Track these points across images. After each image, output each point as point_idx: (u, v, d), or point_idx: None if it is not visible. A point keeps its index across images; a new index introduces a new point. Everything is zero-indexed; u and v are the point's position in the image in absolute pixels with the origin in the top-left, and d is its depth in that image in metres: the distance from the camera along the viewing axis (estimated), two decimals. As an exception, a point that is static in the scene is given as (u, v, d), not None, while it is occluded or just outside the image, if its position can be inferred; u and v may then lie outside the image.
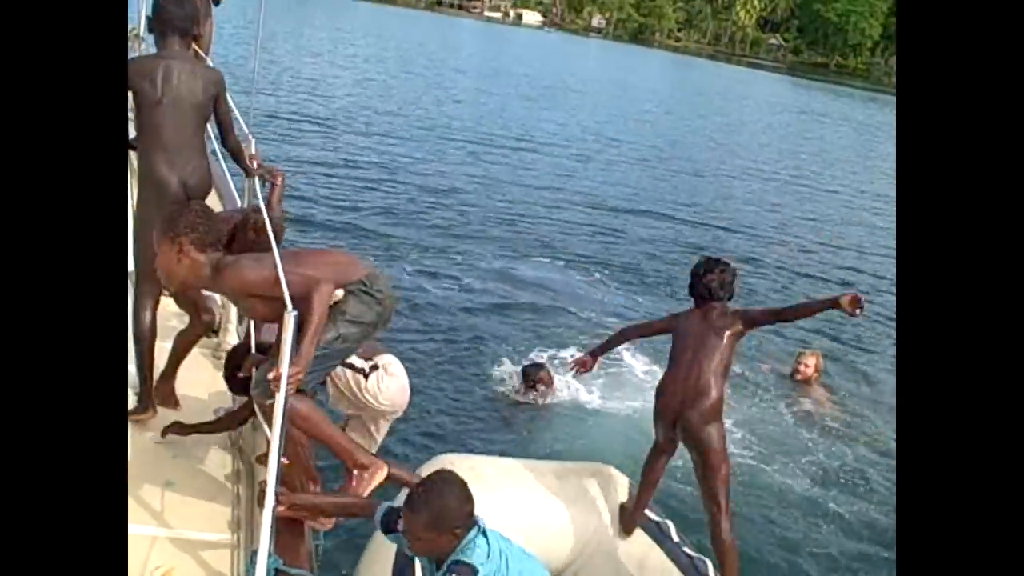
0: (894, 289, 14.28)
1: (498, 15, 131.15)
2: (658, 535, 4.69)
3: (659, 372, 5.11)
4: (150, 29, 4.61)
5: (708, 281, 4.72)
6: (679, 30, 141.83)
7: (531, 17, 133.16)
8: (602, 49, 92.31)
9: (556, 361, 8.59)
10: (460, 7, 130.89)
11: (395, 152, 18.30)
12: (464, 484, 3.37)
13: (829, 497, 7.12)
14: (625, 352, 8.94)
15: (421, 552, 3.47)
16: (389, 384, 4.25)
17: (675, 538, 4.69)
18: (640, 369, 8.77)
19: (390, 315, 3.71)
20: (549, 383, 7.81)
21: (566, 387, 8.08)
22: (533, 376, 7.80)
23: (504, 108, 29.18)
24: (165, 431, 4.07)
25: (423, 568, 3.62)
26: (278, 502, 3.21)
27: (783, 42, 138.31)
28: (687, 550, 4.62)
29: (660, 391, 4.73)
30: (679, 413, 4.56)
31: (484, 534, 3.38)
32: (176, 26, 4.28)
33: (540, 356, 8.74)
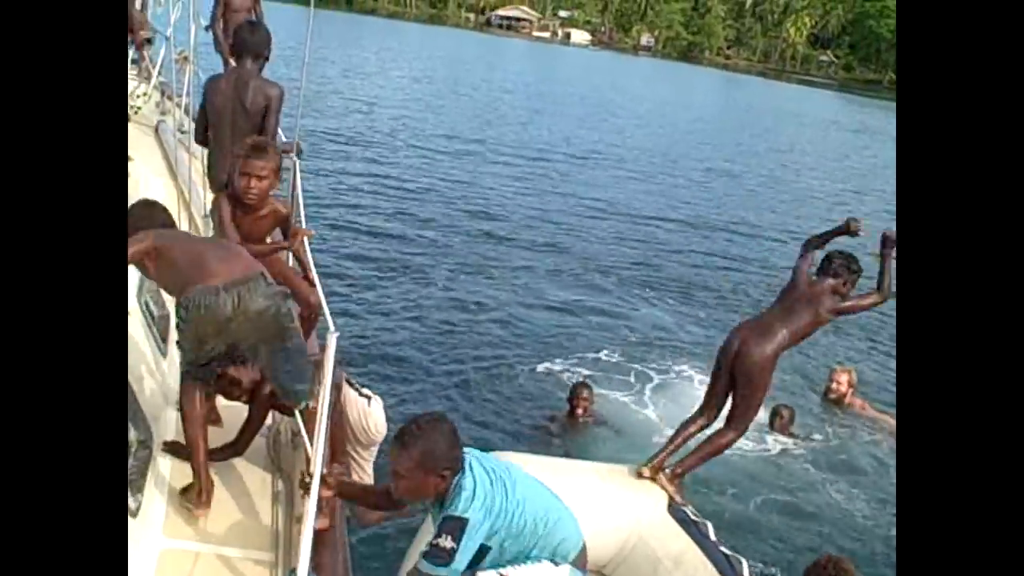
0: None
1: (547, 35, 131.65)
2: (696, 535, 4.78)
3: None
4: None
5: (837, 264, 5.26)
6: (729, 48, 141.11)
7: (580, 36, 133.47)
8: (651, 67, 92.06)
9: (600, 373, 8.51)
10: (509, 27, 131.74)
11: (442, 171, 18.35)
12: (455, 429, 3.35)
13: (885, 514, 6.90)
14: (680, 366, 9.08)
15: (406, 494, 3.40)
16: (380, 415, 4.33)
17: (712, 537, 4.77)
18: (694, 384, 8.64)
19: (214, 335, 3.26)
20: (590, 402, 7.69)
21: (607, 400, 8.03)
22: (578, 394, 7.69)
23: (553, 127, 29.17)
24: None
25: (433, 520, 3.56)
26: (324, 483, 3.17)
27: (834, 59, 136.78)
28: (724, 549, 4.70)
29: (738, 326, 5.41)
30: (743, 347, 5.15)
31: (470, 471, 3.33)
32: (249, 48, 5.12)
33: (580, 370, 8.65)
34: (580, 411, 7.55)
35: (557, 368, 8.88)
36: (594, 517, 4.71)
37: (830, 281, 5.24)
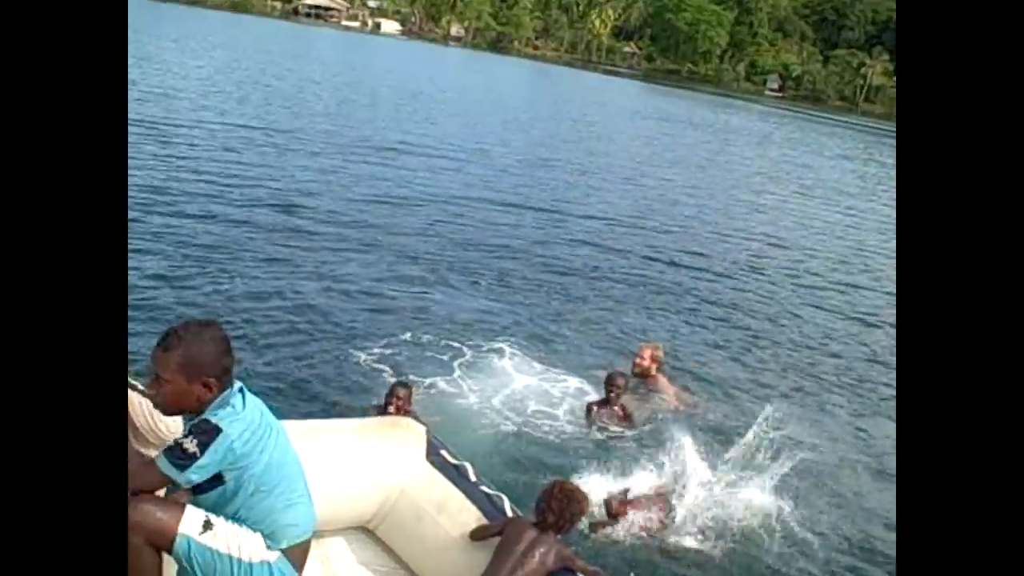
0: (731, 272, 14.72)
1: (356, 24, 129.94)
2: (456, 478, 4.79)
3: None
4: None
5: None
6: (537, 39, 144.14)
7: (390, 26, 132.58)
8: (462, 57, 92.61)
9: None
10: (317, 16, 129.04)
11: (245, 163, 17.62)
12: (226, 337, 3.19)
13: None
14: (493, 343, 9.00)
15: (169, 407, 3.18)
16: None
17: (473, 478, 4.80)
18: (505, 357, 8.69)
19: None
20: (407, 401, 7.55)
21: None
22: (395, 393, 7.52)
23: (363, 118, 28.78)
24: None
25: None
26: None
27: (637, 50, 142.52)
28: (485, 488, 4.73)
29: None
30: None
31: (242, 396, 3.17)
32: None
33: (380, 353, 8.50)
34: (393, 411, 7.39)
35: (368, 355, 8.68)
36: (353, 474, 4.73)
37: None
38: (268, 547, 3.28)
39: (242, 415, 3.10)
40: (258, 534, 3.25)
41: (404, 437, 5.00)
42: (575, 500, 4.54)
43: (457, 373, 8.60)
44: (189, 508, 3.16)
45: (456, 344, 9.29)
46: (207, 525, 3.14)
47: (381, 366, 8.48)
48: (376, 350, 8.86)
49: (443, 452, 4.98)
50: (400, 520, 4.76)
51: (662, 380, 8.94)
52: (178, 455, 3.01)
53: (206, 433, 2.99)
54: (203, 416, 3.06)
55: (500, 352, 9.28)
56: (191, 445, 2.98)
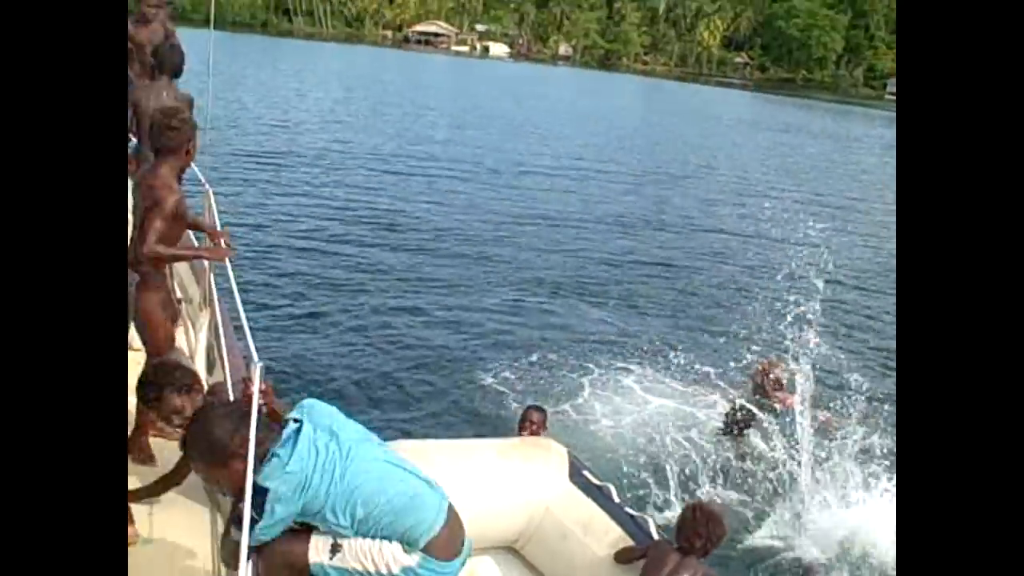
0: (852, 290, 14.24)
1: (465, 49, 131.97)
2: (601, 499, 4.82)
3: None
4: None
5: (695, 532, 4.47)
6: (646, 54, 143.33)
7: (498, 49, 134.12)
8: (571, 77, 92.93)
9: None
10: (427, 43, 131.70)
11: (368, 190, 18.16)
12: (231, 413, 3.17)
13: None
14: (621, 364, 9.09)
15: (232, 492, 3.21)
16: None
17: (616, 499, 4.83)
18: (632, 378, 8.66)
19: None
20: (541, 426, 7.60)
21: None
22: (528, 417, 7.59)
23: (477, 142, 29.19)
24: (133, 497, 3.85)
25: None
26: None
27: (749, 60, 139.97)
28: (629, 510, 4.76)
29: None
30: None
31: (291, 442, 3.14)
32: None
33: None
34: (527, 435, 7.44)
35: (498, 379, 8.80)
36: (499, 493, 4.82)
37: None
38: (407, 551, 3.25)
39: (290, 462, 3.07)
40: (395, 543, 3.24)
41: (547, 458, 5.07)
42: (716, 522, 4.50)
43: (587, 395, 8.63)
44: (314, 536, 3.21)
45: (584, 365, 9.33)
46: (335, 548, 3.19)
47: (508, 389, 8.58)
48: (504, 373, 8.97)
49: (586, 473, 5.03)
50: (545, 539, 4.83)
51: (788, 397, 8.75)
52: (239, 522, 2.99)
53: (256, 495, 2.99)
54: (255, 483, 3.03)
55: (628, 372, 9.27)
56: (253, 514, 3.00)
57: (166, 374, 3.66)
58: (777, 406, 8.66)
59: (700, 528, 4.43)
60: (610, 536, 4.60)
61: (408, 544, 3.26)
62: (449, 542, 3.36)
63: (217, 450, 3.06)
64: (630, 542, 4.53)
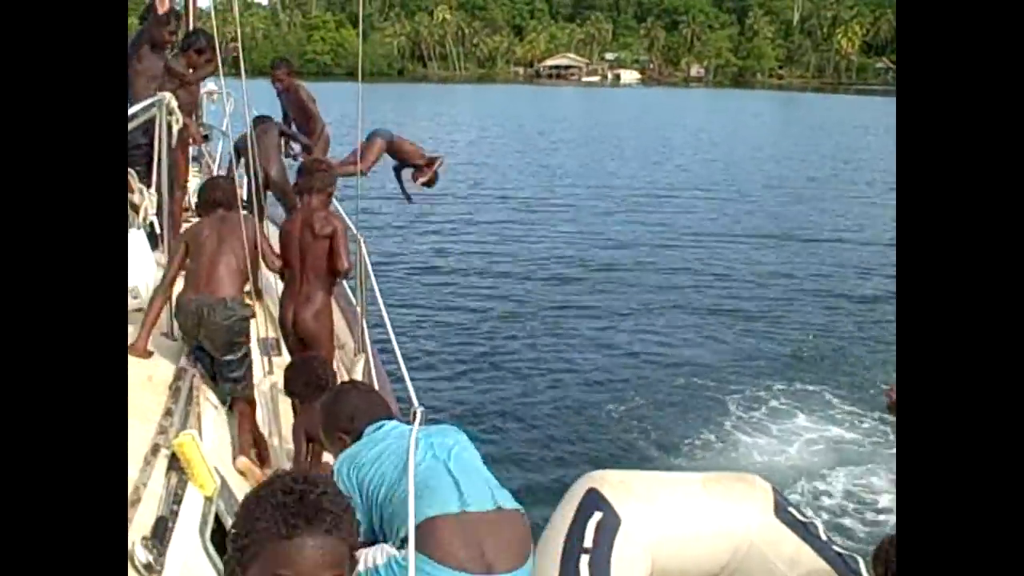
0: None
1: (596, 79, 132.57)
2: (807, 535, 4.70)
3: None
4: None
5: None
6: (780, 67, 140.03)
7: (629, 76, 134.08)
8: (705, 98, 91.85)
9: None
10: (559, 76, 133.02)
11: (511, 229, 18.47)
12: (373, 399, 3.29)
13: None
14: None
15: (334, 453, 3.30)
16: None
17: (823, 537, 4.69)
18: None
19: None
20: None
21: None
22: None
23: (616, 171, 29.22)
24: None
25: None
26: None
27: (891, 64, 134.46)
28: (836, 548, 4.63)
29: None
30: None
31: (373, 436, 3.12)
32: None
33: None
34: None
35: (625, 408, 8.73)
36: (701, 527, 4.77)
37: None
38: (399, 546, 2.83)
39: (352, 451, 3.12)
40: (389, 544, 2.92)
41: (751, 492, 4.99)
42: None
43: (730, 425, 8.44)
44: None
45: (723, 396, 9.12)
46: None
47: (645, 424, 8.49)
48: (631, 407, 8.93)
49: (791, 509, 4.94)
50: (750, 575, 4.80)
51: None
52: None
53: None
54: None
55: (774, 397, 9.02)
56: None
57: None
58: None
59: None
60: (817, 573, 4.50)
61: (401, 539, 2.80)
62: (457, 545, 2.80)
63: (334, 417, 3.25)
64: None
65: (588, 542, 4.38)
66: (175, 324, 4.80)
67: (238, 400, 4.48)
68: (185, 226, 5.86)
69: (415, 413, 3.12)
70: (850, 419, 8.58)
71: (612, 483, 4.73)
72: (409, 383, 3.53)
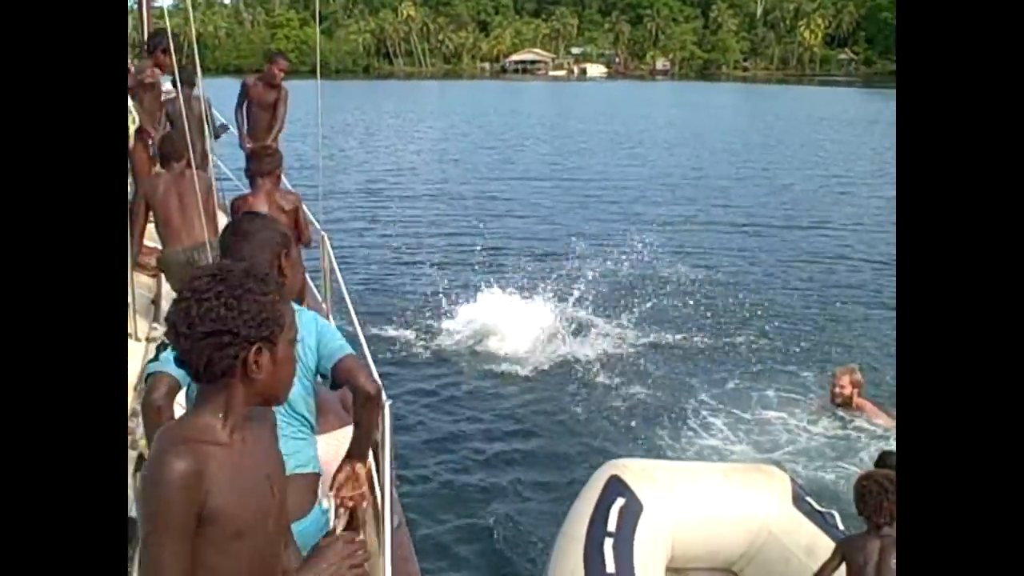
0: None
1: (563, 73, 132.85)
2: (824, 525, 4.88)
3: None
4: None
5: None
6: (745, 60, 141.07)
7: (595, 70, 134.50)
8: (671, 90, 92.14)
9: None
10: (525, 71, 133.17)
11: (478, 224, 18.27)
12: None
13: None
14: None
15: None
16: None
17: (841, 527, 4.86)
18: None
19: None
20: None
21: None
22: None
23: (582, 164, 29.21)
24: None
25: None
26: None
27: (853, 56, 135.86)
28: None
29: None
30: None
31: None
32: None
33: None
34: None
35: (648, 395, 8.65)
36: (720, 516, 4.98)
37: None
38: None
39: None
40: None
41: (769, 483, 5.15)
42: (892, 479, 4.08)
43: (731, 419, 8.36)
44: None
45: (722, 389, 9.07)
46: None
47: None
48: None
49: (809, 499, 5.09)
50: (768, 563, 4.93)
51: (868, 405, 8.09)
52: None
53: None
54: None
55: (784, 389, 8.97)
56: None
57: None
58: (854, 413, 8.08)
59: (889, 495, 4.04)
60: None
61: None
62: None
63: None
64: None
65: (612, 526, 4.56)
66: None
67: None
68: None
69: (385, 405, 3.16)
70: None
71: (634, 471, 4.96)
72: (377, 376, 3.42)
